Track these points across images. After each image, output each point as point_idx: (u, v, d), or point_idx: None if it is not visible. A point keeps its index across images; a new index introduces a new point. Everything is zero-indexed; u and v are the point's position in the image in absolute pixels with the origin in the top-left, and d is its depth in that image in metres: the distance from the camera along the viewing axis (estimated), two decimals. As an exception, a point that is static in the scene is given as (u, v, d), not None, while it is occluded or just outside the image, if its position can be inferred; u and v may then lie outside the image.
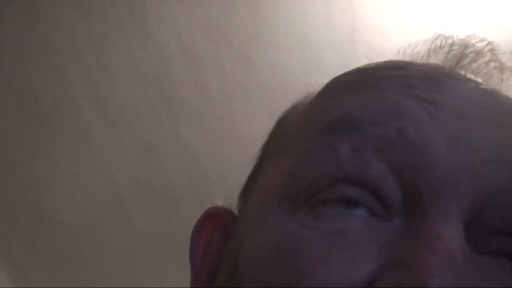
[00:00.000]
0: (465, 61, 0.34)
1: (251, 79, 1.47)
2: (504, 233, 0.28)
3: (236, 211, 0.37)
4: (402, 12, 1.36)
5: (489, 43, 0.36)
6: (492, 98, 0.31)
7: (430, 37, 0.36)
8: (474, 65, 0.34)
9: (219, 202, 0.39)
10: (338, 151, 0.29)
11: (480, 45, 0.35)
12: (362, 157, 0.28)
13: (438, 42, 0.36)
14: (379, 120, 0.29)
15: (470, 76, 0.33)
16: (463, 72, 0.33)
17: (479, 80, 0.33)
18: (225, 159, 1.55)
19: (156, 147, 1.59)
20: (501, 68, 0.35)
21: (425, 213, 0.27)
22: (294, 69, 1.42)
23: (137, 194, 1.65)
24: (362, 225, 0.28)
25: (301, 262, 0.27)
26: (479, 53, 0.35)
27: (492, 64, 0.35)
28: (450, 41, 0.36)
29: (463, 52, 0.35)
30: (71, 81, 1.51)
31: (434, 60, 0.35)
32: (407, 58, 0.36)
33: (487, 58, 0.35)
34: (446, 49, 0.35)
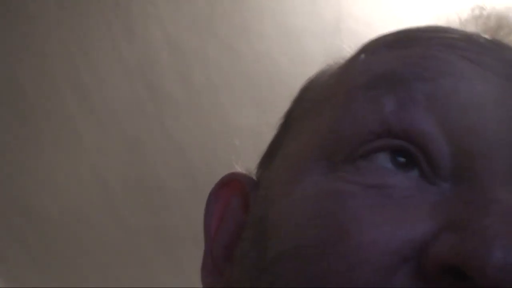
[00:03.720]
0: (502, 33, 0.33)
1: (236, 69, 1.47)
2: None
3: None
4: (386, 2, 1.36)
5: None
6: None
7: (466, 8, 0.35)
8: (507, 39, 0.33)
9: (238, 168, 0.36)
10: (383, 105, 0.27)
11: None
12: (409, 112, 0.26)
13: (473, 12, 0.35)
14: (426, 76, 0.27)
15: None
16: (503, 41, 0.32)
17: None
18: (211, 151, 1.55)
19: (142, 140, 1.59)
20: None
21: (478, 177, 0.25)
22: (280, 59, 1.42)
23: (124, 187, 1.65)
24: (409, 183, 0.26)
25: (344, 220, 0.25)
26: None
27: None
28: (485, 13, 0.34)
29: (499, 24, 0.33)
30: (56, 75, 1.50)
31: (470, 29, 0.33)
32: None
33: None
34: (481, 20, 0.34)
